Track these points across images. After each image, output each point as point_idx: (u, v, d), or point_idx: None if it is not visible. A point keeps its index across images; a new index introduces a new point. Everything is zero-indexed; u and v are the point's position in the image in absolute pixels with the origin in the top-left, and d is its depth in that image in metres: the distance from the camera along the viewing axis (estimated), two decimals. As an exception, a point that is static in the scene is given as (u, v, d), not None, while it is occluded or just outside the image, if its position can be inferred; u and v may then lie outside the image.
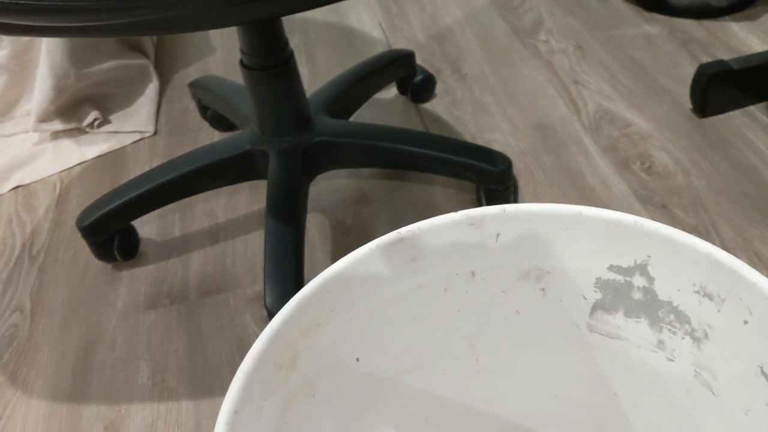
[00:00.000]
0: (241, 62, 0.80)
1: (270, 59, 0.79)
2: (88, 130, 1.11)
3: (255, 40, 0.78)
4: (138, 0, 0.51)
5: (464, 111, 1.04)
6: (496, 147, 0.96)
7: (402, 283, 0.42)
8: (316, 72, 1.18)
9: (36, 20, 0.54)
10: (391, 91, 1.10)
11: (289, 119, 0.84)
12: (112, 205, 0.84)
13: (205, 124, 1.10)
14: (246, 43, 0.78)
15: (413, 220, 0.87)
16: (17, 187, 1.05)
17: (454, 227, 0.41)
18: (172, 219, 0.95)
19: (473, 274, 0.42)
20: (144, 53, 1.20)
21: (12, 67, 1.08)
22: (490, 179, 0.83)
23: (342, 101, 0.95)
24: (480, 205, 0.86)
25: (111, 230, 0.86)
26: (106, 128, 1.12)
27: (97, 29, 0.58)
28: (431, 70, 1.12)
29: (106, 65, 1.11)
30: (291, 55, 0.80)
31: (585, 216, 0.40)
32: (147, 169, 1.01)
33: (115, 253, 0.88)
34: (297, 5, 0.57)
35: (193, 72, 1.24)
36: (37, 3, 0.53)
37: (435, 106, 1.06)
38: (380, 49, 1.20)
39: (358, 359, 0.42)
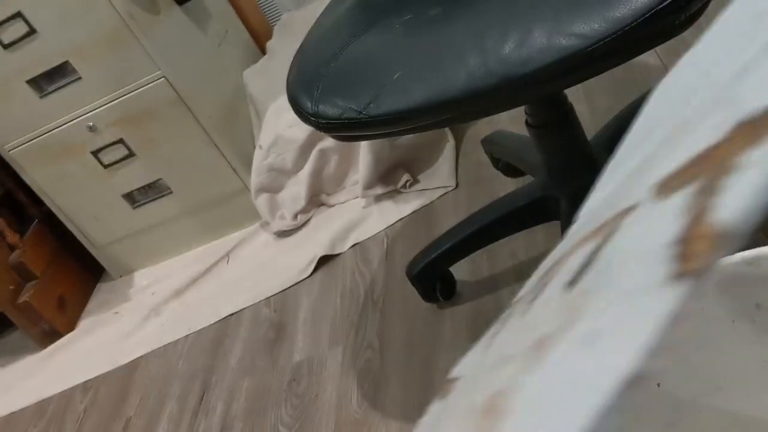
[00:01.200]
0: (527, 121, 0.92)
1: (552, 116, 0.89)
2: (402, 190, 1.32)
3: (537, 104, 0.89)
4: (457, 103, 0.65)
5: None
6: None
7: (691, 317, 0.49)
8: (596, 110, 1.25)
9: (377, 130, 0.72)
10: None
11: (575, 165, 0.93)
12: (434, 256, 1.01)
13: (498, 173, 1.23)
14: (529, 106, 0.89)
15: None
16: (354, 245, 1.29)
17: (733, 265, 0.47)
18: (480, 261, 1.09)
19: (758, 306, 0.48)
20: (439, 117, 1.38)
21: (340, 148, 1.34)
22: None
23: (623, 137, 1.02)
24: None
25: (435, 276, 1.03)
26: (416, 187, 1.31)
27: (415, 128, 0.74)
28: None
29: (412, 134, 1.31)
30: (570, 108, 0.90)
31: None
32: (454, 218, 1.17)
33: (438, 295, 1.04)
34: (577, 78, 0.67)
35: (481, 127, 1.38)
36: (375, 119, 0.70)
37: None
38: (658, 76, 1.23)
39: (659, 385, 0.50)
